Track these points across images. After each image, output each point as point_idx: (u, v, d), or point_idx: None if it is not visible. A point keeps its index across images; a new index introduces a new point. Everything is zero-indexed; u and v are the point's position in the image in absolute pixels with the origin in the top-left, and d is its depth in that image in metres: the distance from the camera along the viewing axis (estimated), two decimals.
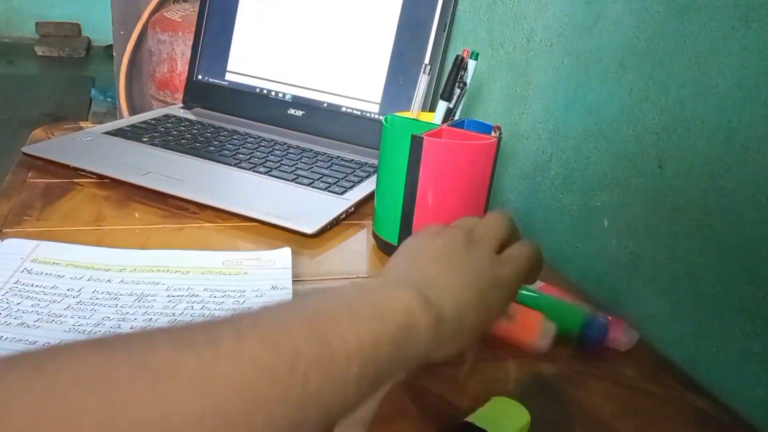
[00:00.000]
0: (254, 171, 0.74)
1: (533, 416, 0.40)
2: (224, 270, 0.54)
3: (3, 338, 0.43)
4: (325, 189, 0.71)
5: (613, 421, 0.42)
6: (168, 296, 0.50)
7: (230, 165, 0.75)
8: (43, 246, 0.55)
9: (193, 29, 0.96)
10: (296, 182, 0.72)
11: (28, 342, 0.43)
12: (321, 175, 0.74)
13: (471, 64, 0.64)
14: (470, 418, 0.38)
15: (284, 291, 0.52)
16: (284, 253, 0.57)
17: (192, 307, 0.49)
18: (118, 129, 0.83)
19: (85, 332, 0.44)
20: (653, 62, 0.53)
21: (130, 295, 0.49)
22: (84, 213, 0.63)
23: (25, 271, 0.51)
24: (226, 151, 0.79)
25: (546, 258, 0.66)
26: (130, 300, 0.49)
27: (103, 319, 0.46)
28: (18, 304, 0.47)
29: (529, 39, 0.70)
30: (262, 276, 0.54)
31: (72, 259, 0.53)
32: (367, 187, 0.73)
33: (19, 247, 0.54)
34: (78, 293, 0.49)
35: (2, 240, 0.55)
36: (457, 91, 0.63)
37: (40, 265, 0.52)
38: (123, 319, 0.46)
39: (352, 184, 0.73)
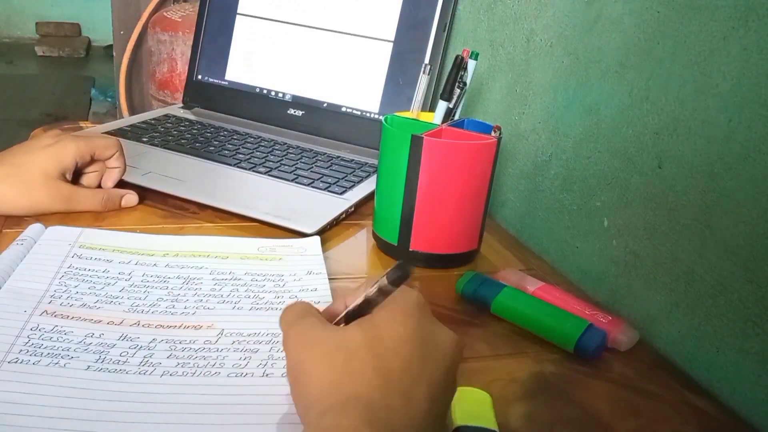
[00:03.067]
0: (254, 171, 0.74)
1: (534, 416, 0.40)
2: (261, 256, 0.57)
3: (69, 317, 0.45)
4: (325, 189, 0.71)
5: (613, 421, 0.42)
6: (213, 279, 0.52)
7: (230, 165, 0.75)
8: (86, 233, 0.57)
9: (193, 29, 0.96)
10: (296, 182, 0.72)
11: (92, 321, 0.45)
12: (321, 175, 0.74)
13: (471, 64, 0.64)
14: (459, 422, 0.38)
15: (320, 276, 0.54)
16: (314, 241, 0.60)
17: (237, 289, 0.51)
18: (118, 129, 0.83)
19: (143, 312, 0.47)
20: (653, 62, 0.53)
21: (178, 278, 0.52)
22: (84, 213, 0.63)
23: (76, 256, 0.53)
24: (226, 151, 0.79)
25: (546, 258, 0.66)
26: (178, 283, 0.51)
27: (157, 300, 0.49)
28: (76, 287, 0.49)
29: (529, 39, 0.70)
30: (297, 262, 0.56)
31: (117, 245, 0.56)
32: (367, 187, 0.73)
33: (65, 234, 0.56)
34: (129, 276, 0.51)
35: (47, 227, 0.57)
36: (457, 91, 0.63)
37: (89, 250, 0.54)
38: (176, 300, 0.49)
39: (352, 184, 0.73)
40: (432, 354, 0.34)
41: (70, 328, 0.44)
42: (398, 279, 0.35)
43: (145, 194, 0.68)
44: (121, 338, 0.44)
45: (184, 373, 0.41)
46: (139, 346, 0.43)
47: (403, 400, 0.31)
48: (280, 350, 0.44)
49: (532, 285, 0.55)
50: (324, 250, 0.61)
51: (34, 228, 0.56)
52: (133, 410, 0.37)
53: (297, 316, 0.37)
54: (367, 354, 0.32)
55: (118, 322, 0.45)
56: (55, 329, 0.44)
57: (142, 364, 0.41)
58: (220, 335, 0.45)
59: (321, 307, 0.50)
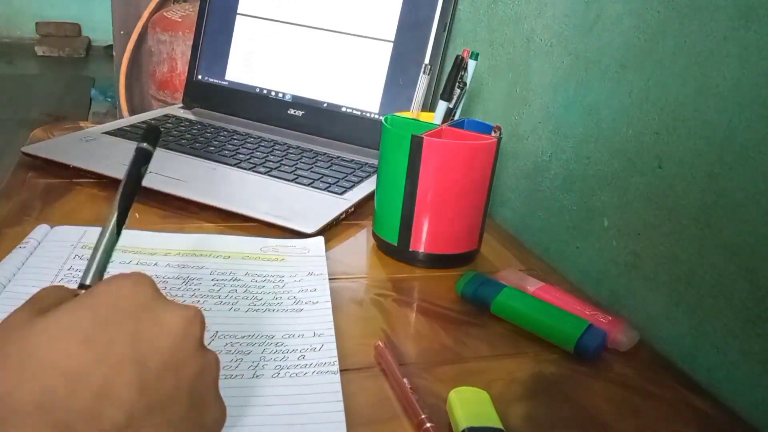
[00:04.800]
0: (254, 171, 0.74)
1: (534, 416, 0.40)
2: (263, 256, 0.57)
3: None
4: (325, 189, 0.71)
5: (613, 421, 0.42)
6: (212, 280, 0.52)
7: (230, 165, 0.75)
8: (90, 232, 0.57)
9: (193, 29, 0.96)
10: (296, 182, 0.72)
11: None
12: (321, 175, 0.74)
13: (471, 64, 0.64)
14: (464, 423, 0.37)
15: (320, 277, 0.54)
16: (318, 242, 0.60)
17: (236, 290, 0.51)
18: (118, 129, 0.83)
19: None
20: (653, 62, 0.53)
21: (177, 278, 0.52)
22: (84, 213, 0.63)
23: (77, 257, 0.53)
24: (226, 151, 0.79)
25: (546, 258, 0.66)
26: (177, 283, 0.51)
27: None
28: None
29: (529, 39, 0.70)
30: (299, 262, 0.56)
31: (120, 244, 0.55)
32: (367, 187, 0.73)
33: (68, 235, 0.56)
34: None
35: (52, 227, 0.57)
36: (457, 91, 0.63)
37: (90, 251, 0.53)
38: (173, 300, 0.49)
39: (352, 184, 0.73)
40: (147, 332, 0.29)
41: None
42: (153, 138, 0.31)
43: (146, 194, 0.68)
44: None
45: None
46: None
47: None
48: (272, 351, 0.44)
49: (532, 285, 0.55)
50: (324, 250, 0.61)
51: (41, 229, 0.56)
52: None
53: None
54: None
55: None
56: None
57: None
58: (213, 337, 0.45)
59: (320, 306, 0.50)
